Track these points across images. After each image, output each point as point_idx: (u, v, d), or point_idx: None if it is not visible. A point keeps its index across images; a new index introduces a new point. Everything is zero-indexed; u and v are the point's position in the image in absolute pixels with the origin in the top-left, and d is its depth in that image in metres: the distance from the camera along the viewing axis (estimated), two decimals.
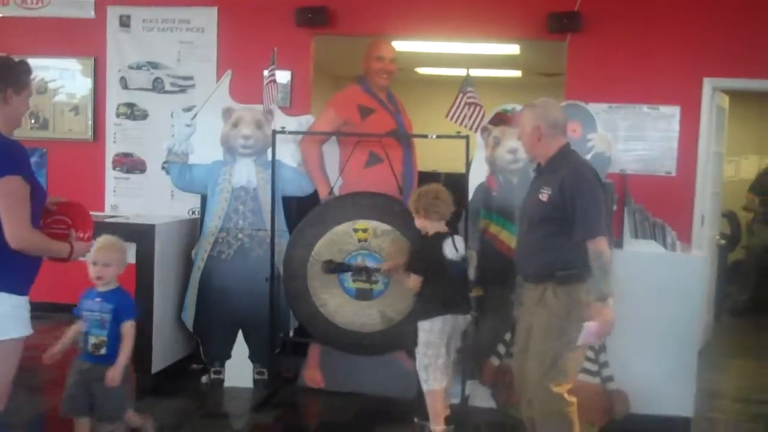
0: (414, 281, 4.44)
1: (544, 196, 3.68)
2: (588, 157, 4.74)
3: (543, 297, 3.71)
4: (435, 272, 4.39)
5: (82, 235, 3.34)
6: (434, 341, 4.34)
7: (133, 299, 4.01)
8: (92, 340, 3.79)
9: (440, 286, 4.39)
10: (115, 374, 3.76)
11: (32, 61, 3.52)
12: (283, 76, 6.26)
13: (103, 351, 3.79)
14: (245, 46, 6.52)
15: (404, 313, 4.83)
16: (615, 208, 5.01)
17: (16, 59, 3.25)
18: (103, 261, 3.79)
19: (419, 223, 4.46)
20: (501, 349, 4.91)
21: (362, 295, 4.99)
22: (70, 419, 3.89)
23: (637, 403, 4.61)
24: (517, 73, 10.04)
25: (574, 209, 3.59)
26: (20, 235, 3.00)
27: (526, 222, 3.84)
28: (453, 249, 4.39)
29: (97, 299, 3.83)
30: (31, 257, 3.12)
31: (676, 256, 4.96)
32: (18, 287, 3.10)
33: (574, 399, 3.74)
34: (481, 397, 4.97)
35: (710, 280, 6.68)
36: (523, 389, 3.91)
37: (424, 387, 4.39)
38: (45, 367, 3.98)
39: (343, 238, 4.99)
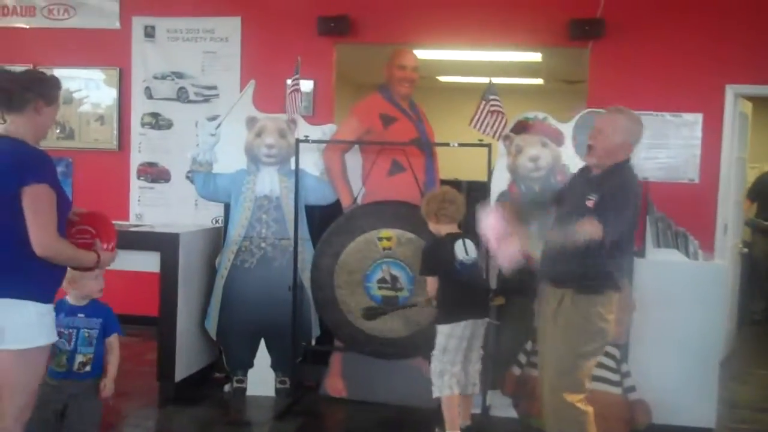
0: (430, 283, 4.48)
1: (591, 202, 3.63)
2: None
3: (561, 304, 3.70)
4: (447, 273, 4.41)
5: (106, 245, 3.36)
6: (452, 347, 4.35)
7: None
8: (79, 358, 3.66)
9: (458, 288, 4.39)
10: (110, 385, 3.69)
11: (58, 72, 3.61)
12: (305, 85, 6.29)
13: (88, 368, 3.68)
14: (268, 56, 6.55)
15: (429, 319, 4.84)
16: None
17: (47, 74, 3.31)
18: (100, 273, 3.67)
19: (432, 227, 4.53)
20: (522, 358, 4.90)
21: (388, 302, 5.03)
22: None
23: (659, 413, 4.59)
24: (539, 81, 10.01)
25: (600, 210, 3.56)
26: (47, 243, 3.01)
27: (561, 223, 3.81)
28: (463, 250, 4.39)
29: (80, 315, 3.68)
30: (55, 265, 3.13)
31: (698, 264, 4.93)
32: (43, 295, 3.12)
33: (590, 408, 3.73)
34: (502, 407, 4.96)
35: (732, 289, 6.63)
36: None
37: (435, 393, 4.39)
38: None
39: (367, 246, 5.02)
